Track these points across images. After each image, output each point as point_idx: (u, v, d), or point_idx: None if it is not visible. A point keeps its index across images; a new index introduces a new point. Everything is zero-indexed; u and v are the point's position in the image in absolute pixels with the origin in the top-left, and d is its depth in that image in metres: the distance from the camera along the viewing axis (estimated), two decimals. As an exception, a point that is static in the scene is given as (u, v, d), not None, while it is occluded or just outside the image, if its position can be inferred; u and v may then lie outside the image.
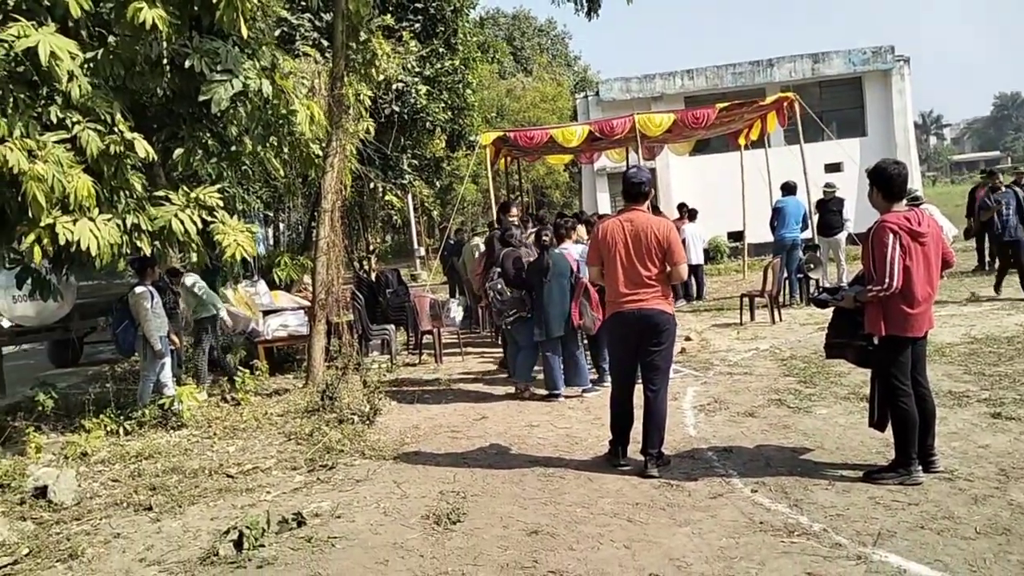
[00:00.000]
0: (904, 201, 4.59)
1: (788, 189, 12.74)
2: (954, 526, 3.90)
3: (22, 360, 13.15)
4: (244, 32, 5.98)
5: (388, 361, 9.85)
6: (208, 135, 6.88)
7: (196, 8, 6.09)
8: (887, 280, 4.35)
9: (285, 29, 15.21)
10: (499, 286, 7.33)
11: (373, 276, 12.64)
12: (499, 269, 7.42)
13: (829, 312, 5.12)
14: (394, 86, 16.38)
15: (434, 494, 5.01)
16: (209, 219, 6.83)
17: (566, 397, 7.27)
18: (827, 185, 13.43)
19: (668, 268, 5.00)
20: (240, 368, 8.85)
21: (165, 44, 5.95)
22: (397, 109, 16.69)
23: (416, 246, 26.90)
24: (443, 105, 18.72)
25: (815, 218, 13.00)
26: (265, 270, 14.56)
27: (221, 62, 6.43)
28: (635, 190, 5.12)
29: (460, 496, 4.92)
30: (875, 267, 4.43)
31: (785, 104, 13.23)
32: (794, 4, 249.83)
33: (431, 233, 32.01)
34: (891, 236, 4.37)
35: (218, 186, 6.89)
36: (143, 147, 5.98)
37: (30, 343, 12.79)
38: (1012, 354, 7.40)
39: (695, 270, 14.50)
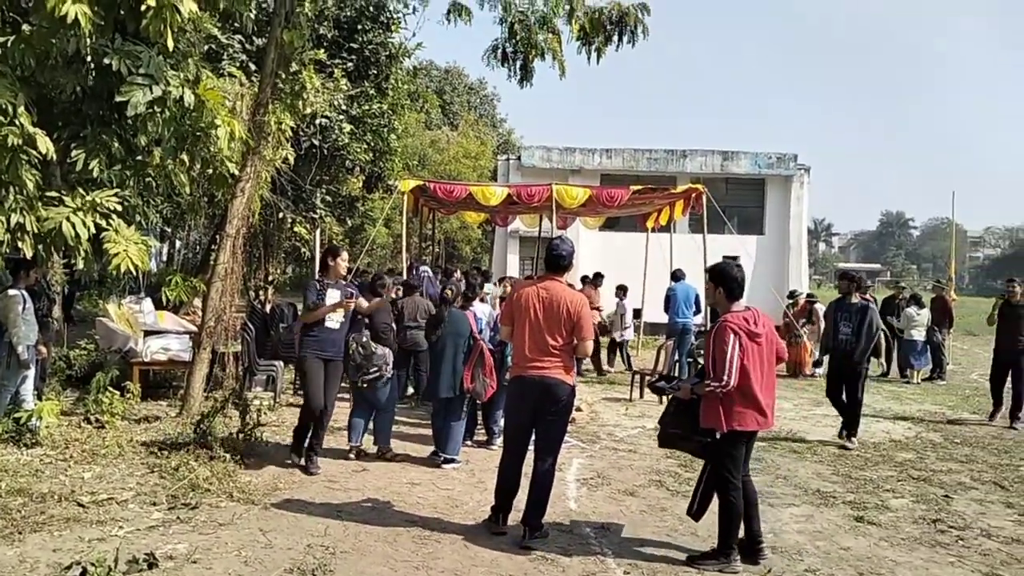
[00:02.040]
0: (743, 301, 4.86)
1: (676, 277, 13.23)
2: (812, 626, 4.00)
3: None
4: (170, 43, 5.80)
5: (272, 399, 9.48)
6: (115, 139, 6.56)
7: (122, 12, 5.87)
8: (725, 378, 4.58)
9: (213, 47, 14.90)
10: (364, 339, 6.90)
11: (267, 308, 12.21)
12: (367, 321, 7.02)
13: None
14: (318, 120, 16.22)
15: (301, 546, 4.79)
16: (104, 226, 6.48)
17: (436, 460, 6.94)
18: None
19: (575, 342, 5.05)
20: (110, 388, 8.30)
21: (86, 41, 5.67)
22: (317, 143, 16.49)
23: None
24: (365, 146, 18.61)
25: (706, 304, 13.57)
26: (154, 288, 13.90)
27: (143, 66, 6.19)
28: (557, 261, 5.19)
29: (328, 551, 4.72)
30: (715, 364, 4.65)
31: (694, 195, 13.83)
32: (710, 98, 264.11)
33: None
34: (732, 336, 4.62)
35: (114, 191, 6.52)
36: (44, 143, 5.65)
37: None
38: (877, 459, 7.79)
39: (621, 345, 14.80)
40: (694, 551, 4.96)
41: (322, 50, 17.03)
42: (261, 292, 19.02)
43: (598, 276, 15.14)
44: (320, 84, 12.33)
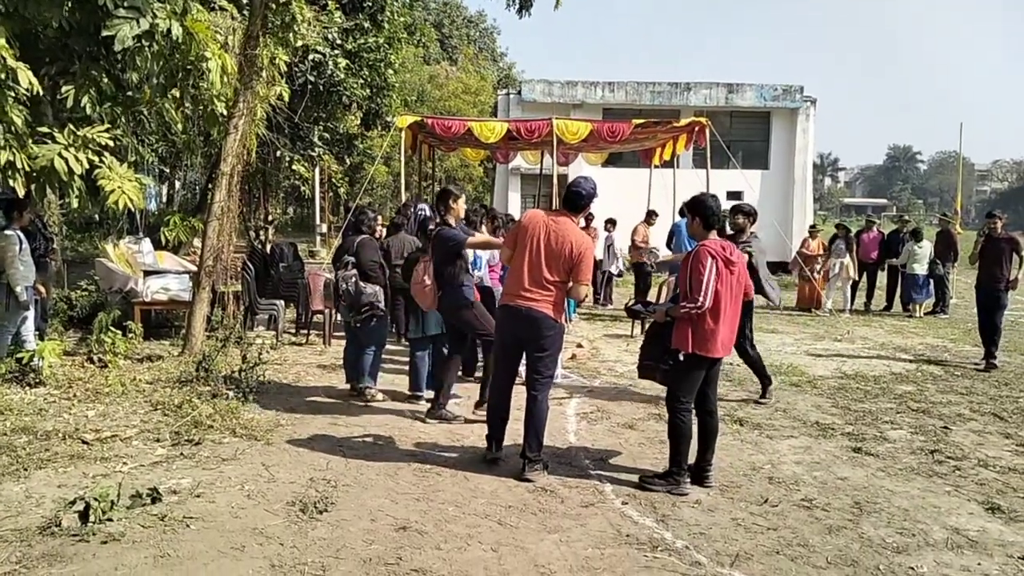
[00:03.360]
0: (715, 232, 4.97)
1: (683, 212, 13.09)
2: (807, 554, 4.05)
3: None
4: (149, -29, 5.62)
5: (273, 338, 9.51)
6: (104, 75, 6.42)
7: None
8: (700, 299, 4.69)
9: (204, -21, 14.50)
10: (353, 279, 6.73)
11: (268, 248, 12.16)
12: (352, 259, 6.87)
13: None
14: (311, 56, 15.88)
15: (304, 480, 4.84)
16: (96, 163, 6.39)
17: (428, 401, 6.77)
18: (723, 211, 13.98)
19: (571, 283, 5.01)
20: (112, 328, 8.33)
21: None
22: (312, 79, 16.15)
23: (318, 222, 26.20)
24: (362, 82, 18.26)
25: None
26: (153, 228, 13.85)
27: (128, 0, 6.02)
28: (575, 199, 5.11)
29: (331, 484, 4.77)
30: (691, 286, 4.76)
31: (697, 128, 13.60)
32: (712, 31, 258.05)
33: (335, 210, 31.29)
34: (710, 259, 4.74)
35: (105, 127, 6.41)
36: (27, 78, 5.52)
37: None
38: (877, 392, 7.83)
39: (610, 279, 14.84)
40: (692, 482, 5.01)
41: (316, -18, 16.56)
42: (261, 232, 18.97)
43: (614, 221, 15.04)
44: (312, 16, 12.02)
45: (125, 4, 5.98)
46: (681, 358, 4.85)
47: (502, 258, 5.41)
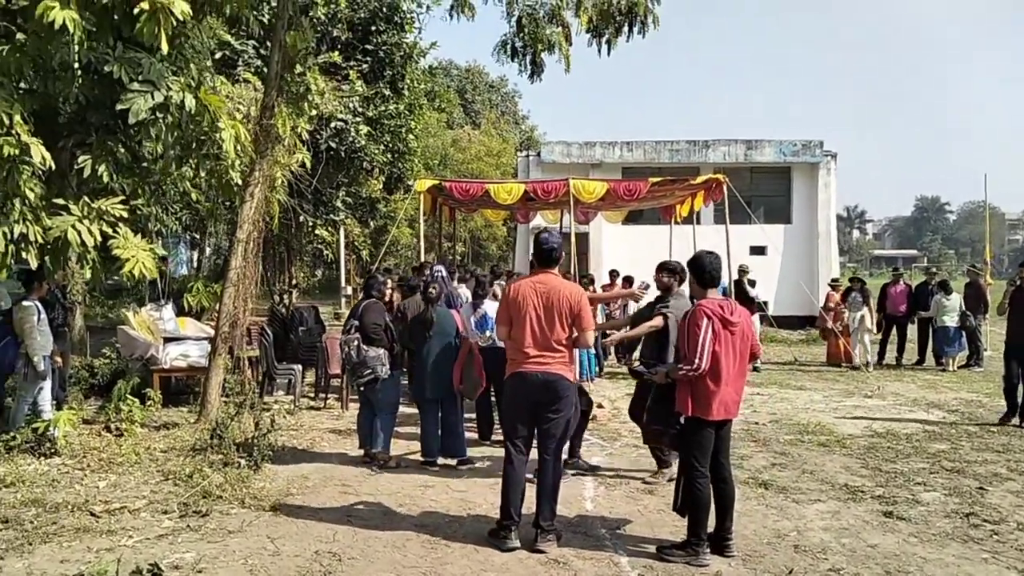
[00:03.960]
0: (718, 289, 4.91)
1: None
2: (834, 629, 3.82)
3: None
4: (164, 47, 5.74)
5: (291, 403, 9.45)
6: (120, 147, 6.55)
7: (116, 17, 5.84)
8: (696, 361, 4.59)
9: (227, 53, 14.98)
10: (356, 342, 6.68)
11: (288, 312, 12.20)
12: (357, 323, 6.81)
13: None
14: (333, 123, 16.24)
15: (309, 553, 4.71)
16: (111, 234, 6.47)
17: (441, 466, 6.77)
18: (741, 266, 13.83)
19: (576, 334, 4.95)
20: (130, 396, 8.33)
21: (77, 48, 5.64)
22: (334, 146, 16.51)
23: (343, 284, 26.40)
24: (383, 147, 18.62)
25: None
26: (178, 294, 13.99)
27: (143, 72, 6.17)
28: (548, 254, 5.08)
29: (336, 558, 4.63)
30: (688, 348, 4.66)
31: (714, 185, 13.57)
32: (728, 84, 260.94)
33: (362, 273, 31.56)
34: (705, 320, 4.64)
35: (120, 199, 6.51)
36: (39, 152, 5.63)
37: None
38: (909, 451, 7.53)
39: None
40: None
41: (336, 52, 17.07)
42: (285, 296, 19.13)
43: (631, 279, 14.86)
44: (328, 86, 12.31)
45: (140, 78, 6.13)
46: (682, 421, 4.74)
47: (500, 335, 5.30)
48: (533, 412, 4.96)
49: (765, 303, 14.25)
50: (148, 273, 6.46)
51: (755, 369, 12.77)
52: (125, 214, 6.51)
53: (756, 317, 13.82)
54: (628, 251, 20.72)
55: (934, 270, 19.39)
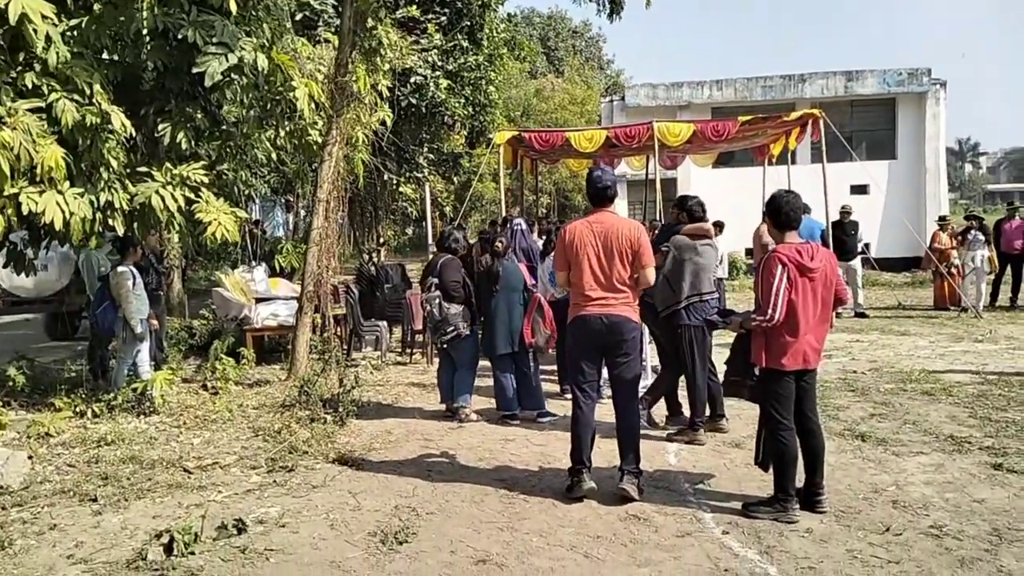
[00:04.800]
0: (797, 232, 4.52)
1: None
2: (935, 592, 3.56)
3: (21, 331, 13.08)
4: (233, 7, 5.74)
5: (379, 359, 9.61)
6: (199, 111, 6.65)
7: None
8: (770, 311, 4.30)
9: (307, 14, 15.06)
10: (437, 300, 6.62)
11: (374, 270, 12.37)
12: (436, 280, 6.72)
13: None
14: (412, 79, 16.16)
15: (388, 508, 4.74)
16: (193, 199, 6.61)
17: (521, 420, 6.70)
18: (843, 207, 13.08)
19: (637, 272, 4.77)
20: (224, 356, 8.63)
21: (147, 13, 5.71)
22: (415, 101, 16.46)
23: (430, 242, 26.69)
24: (464, 100, 18.46)
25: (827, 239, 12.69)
26: (269, 256, 14.42)
27: (216, 35, 6.21)
28: (603, 193, 4.88)
29: (414, 512, 4.65)
30: (762, 296, 4.37)
31: (811, 121, 12.82)
32: (832, 15, 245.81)
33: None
34: (780, 267, 4.32)
35: (203, 164, 6.63)
36: (119, 120, 5.75)
37: (28, 314, 12.70)
38: (1023, 399, 6.99)
39: (718, 284, 14.17)
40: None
41: (414, 6, 16.90)
42: (374, 254, 19.47)
43: (722, 224, 14.27)
44: (402, 39, 12.19)
45: (214, 41, 6.16)
46: (757, 372, 4.50)
47: (559, 282, 5.16)
48: (600, 356, 4.86)
49: (867, 245, 13.46)
50: (230, 236, 6.57)
51: (837, 315, 12.13)
52: (207, 179, 6.62)
53: (858, 261, 13.10)
54: (719, 196, 19.97)
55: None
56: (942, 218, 14.60)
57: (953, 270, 12.83)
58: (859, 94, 20.88)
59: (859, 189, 18.93)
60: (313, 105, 7.48)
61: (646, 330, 6.57)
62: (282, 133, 8.00)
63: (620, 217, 4.94)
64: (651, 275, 4.85)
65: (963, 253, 12.62)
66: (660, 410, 6.51)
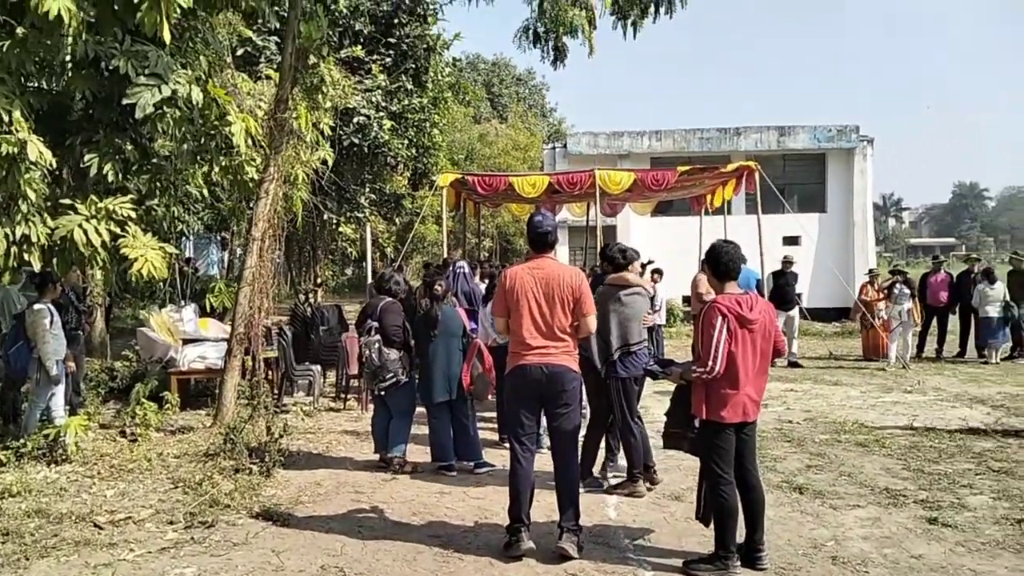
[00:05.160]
0: (737, 282, 4.49)
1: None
2: (877, 655, 3.49)
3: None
4: (167, 36, 5.55)
5: (311, 404, 9.28)
6: (128, 143, 6.39)
7: (117, 7, 5.65)
8: (710, 363, 4.25)
9: (249, 49, 14.88)
10: (376, 344, 6.41)
11: (309, 311, 12.04)
12: (376, 324, 6.54)
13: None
14: (356, 118, 16.07)
15: (314, 568, 4.48)
16: (120, 233, 6.31)
17: (458, 471, 6.49)
18: (785, 257, 13.36)
19: (577, 320, 4.68)
20: (145, 401, 8.20)
21: (72, 40, 5.48)
22: (357, 141, 16.35)
23: (369, 282, 26.34)
24: (408, 142, 18.43)
25: (767, 289, 12.92)
26: (200, 295, 13.94)
27: (150, 66, 5.99)
28: (543, 238, 4.81)
29: (342, 573, 4.40)
30: (702, 348, 4.32)
31: (745, 173, 13.16)
32: (766, 71, 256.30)
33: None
34: (720, 319, 4.28)
35: (130, 197, 6.37)
36: (37, 149, 5.47)
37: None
38: (953, 451, 7.11)
39: (656, 331, 14.26)
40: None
41: (359, 46, 16.88)
42: (311, 295, 19.05)
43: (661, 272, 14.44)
44: (347, 80, 12.12)
45: (147, 71, 5.95)
46: (697, 424, 4.45)
47: (498, 328, 5.03)
48: (539, 407, 4.74)
49: (800, 295, 13.76)
50: (157, 273, 6.28)
51: (772, 364, 12.29)
52: (134, 214, 6.34)
53: (796, 311, 13.33)
54: (657, 243, 20.32)
55: (975, 256, 18.70)
56: (870, 271, 15.05)
57: (879, 322, 13.16)
58: (791, 148, 21.61)
59: (791, 240, 19.46)
60: (250, 141, 7.28)
61: None
62: (217, 168, 7.75)
63: (561, 264, 4.87)
64: (592, 323, 4.76)
65: (889, 307, 12.89)
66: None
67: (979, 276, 13.56)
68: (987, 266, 14.18)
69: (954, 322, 14.08)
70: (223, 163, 7.75)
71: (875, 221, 24.05)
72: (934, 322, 13.85)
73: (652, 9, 10.76)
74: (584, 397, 5.41)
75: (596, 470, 6.23)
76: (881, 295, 13.31)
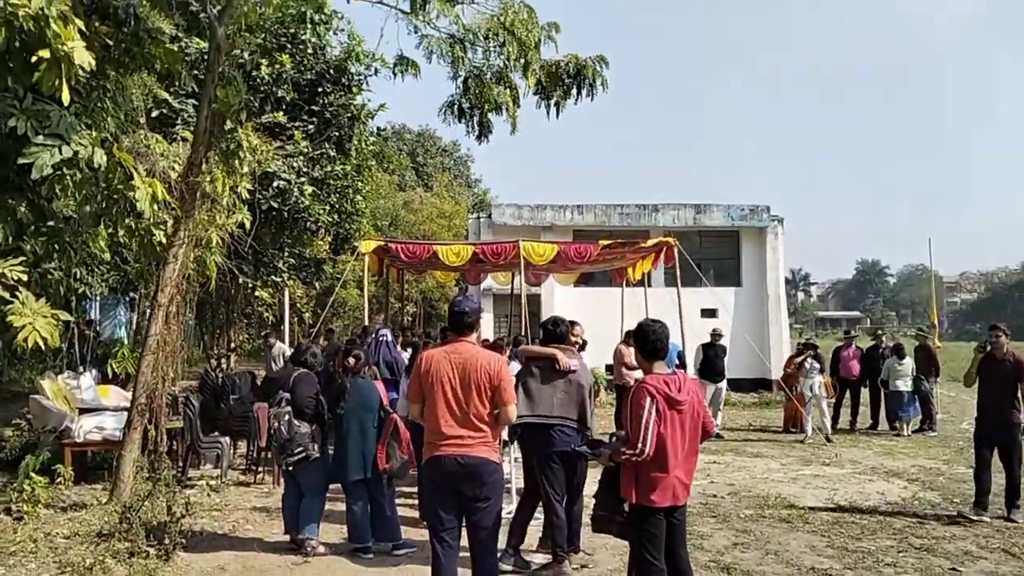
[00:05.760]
0: (664, 361, 4.44)
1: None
2: None
3: None
4: (66, 97, 5.26)
5: (219, 479, 8.72)
6: (23, 204, 5.99)
7: (13, 66, 5.36)
8: (640, 445, 4.15)
9: (165, 111, 14.51)
10: (286, 416, 6.05)
11: (220, 379, 11.44)
12: (288, 395, 6.21)
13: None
14: (276, 183, 15.78)
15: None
16: (8, 298, 5.85)
17: (375, 553, 6.11)
18: (714, 330, 13.58)
19: (497, 409, 4.38)
20: (34, 475, 7.53)
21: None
22: (277, 205, 15.99)
23: (288, 349, 25.54)
24: (329, 208, 18.18)
25: (697, 361, 13.12)
26: (103, 360, 13.17)
27: (51, 126, 5.67)
28: (458, 320, 4.54)
29: (244, 673, 4.00)
30: (631, 430, 4.22)
31: (664, 248, 13.43)
32: (675, 151, 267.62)
33: (306, 335, 30.63)
34: (648, 400, 4.20)
35: (22, 260, 5.93)
36: None
37: None
38: (875, 527, 7.16)
39: None
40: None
41: (281, 112, 16.71)
42: (223, 360, 18.29)
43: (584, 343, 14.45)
44: (267, 145, 11.90)
45: (46, 131, 5.63)
46: (626, 508, 4.30)
47: (412, 414, 4.73)
48: (456, 501, 4.37)
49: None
50: (51, 341, 5.82)
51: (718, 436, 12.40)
52: (26, 276, 5.90)
53: (724, 383, 13.49)
54: (580, 313, 20.38)
55: (880, 332, 19.49)
56: (802, 344, 15.25)
57: (795, 392, 13.42)
58: (707, 225, 22.32)
59: (709, 313, 19.89)
60: (156, 206, 6.95)
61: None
62: (122, 231, 7.36)
63: (480, 348, 4.58)
64: (511, 412, 4.44)
65: (801, 381, 13.12)
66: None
67: (888, 351, 14.07)
68: (897, 342, 14.74)
69: (866, 395, 14.51)
70: (129, 225, 7.37)
71: (786, 295, 24.90)
72: (847, 395, 14.24)
73: (574, 91, 10.98)
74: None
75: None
76: (792, 368, 13.62)
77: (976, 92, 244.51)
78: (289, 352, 13.00)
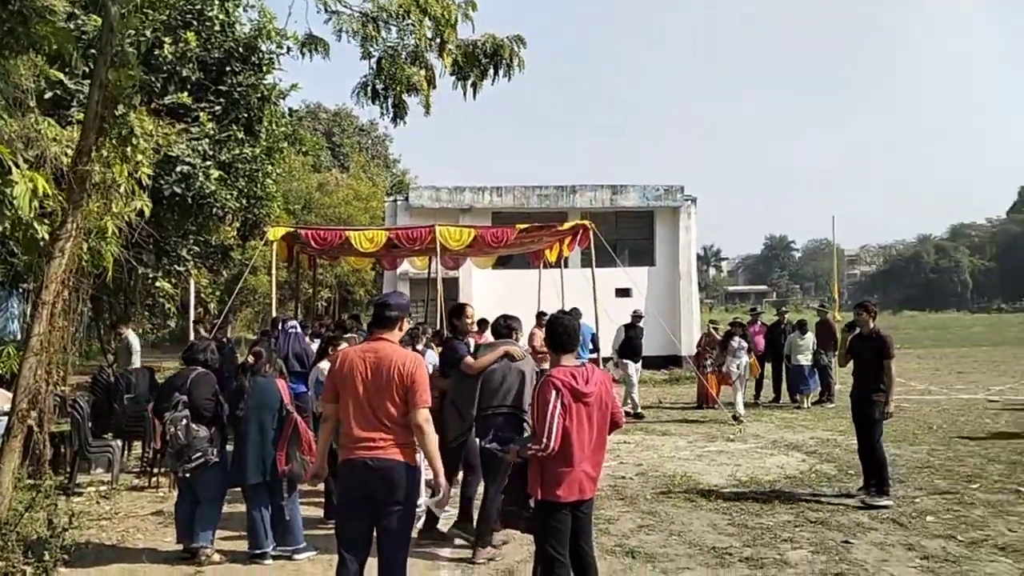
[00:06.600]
0: (574, 354, 4.40)
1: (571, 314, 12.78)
2: None
3: None
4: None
5: (109, 485, 8.30)
6: None
7: None
8: (544, 439, 4.11)
9: (59, 93, 13.67)
10: (184, 421, 5.75)
11: (112, 376, 10.88)
12: (185, 398, 5.91)
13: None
14: (179, 167, 15.11)
15: None
16: None
17: (274, 558, 5.89)
18: (635, 311, 13.71)
19: (410, 411, 4.18)
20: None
21: None
22: (180, 191, 15.31)
23: (192, 338, 24.65)
24: (238, 192, 17.52)
25: (617, 342, 13.27)
26: (-12, 360, 12.37)
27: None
28: (379, 313, 4.37)
29: None
30: (537, 424, 4.20)
31: (581, 231, 13.50)
32: (594, 128, 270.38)
33: (211, 326, 29.57)
34: (554, 393, 4.16)
35: None
36: None
37: None
38: (774, 501, 7.39)
39: None
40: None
41: (186, 93, 15.96)
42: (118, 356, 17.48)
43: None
44: (165, 125, 11.32)
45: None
46: (532, 504, 4.28)
47: (326, 414, 4.49)
48: (370, 507, 4.20)
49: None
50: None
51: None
52: None
53: (639, 364, 13.62)
54: (497, 296, 20.42)
55: (784, 309, 20.11)
56: (712, 322, 15.64)
57: (708, 372, 13.71)
58: (623, 206, 22.58)
59: (623, 292, 20.15)
60: (37, 203, 6.49)
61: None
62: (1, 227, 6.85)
63: (397, 347, 4.36)
64: (420, 417, 4.16)
65: (728, 360, 13.20)
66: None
67: (790, 326, 14.57)
68: (801, 319, 15.26)
69: (769, 369, 15.02)
70: (11, 220, 6.87)
71: (698, 271, 25.50)
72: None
73: (492, 71, 10.82)
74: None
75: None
76: (714, 348, 13.78)
77: (877, 79, 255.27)
78: (139, 347, 12.38)
